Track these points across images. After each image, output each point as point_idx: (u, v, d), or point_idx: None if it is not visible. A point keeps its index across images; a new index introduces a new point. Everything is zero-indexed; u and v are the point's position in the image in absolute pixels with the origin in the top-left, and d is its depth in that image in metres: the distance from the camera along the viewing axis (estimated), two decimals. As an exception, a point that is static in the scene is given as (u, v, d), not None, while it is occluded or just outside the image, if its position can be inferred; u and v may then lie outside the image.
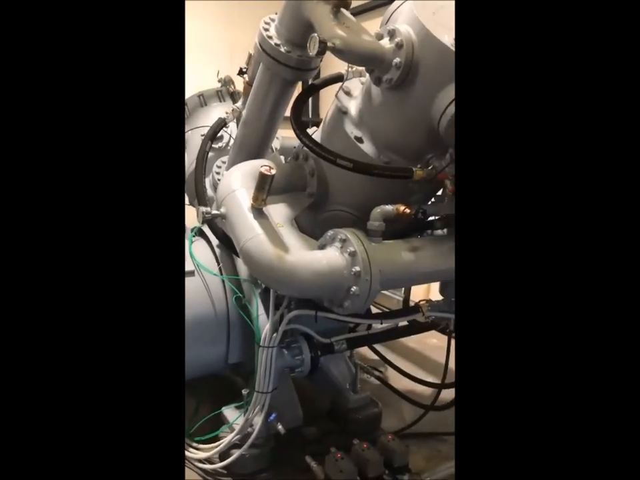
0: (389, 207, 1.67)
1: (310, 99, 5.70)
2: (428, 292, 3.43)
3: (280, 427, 1.97)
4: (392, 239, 1.81)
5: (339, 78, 1.94)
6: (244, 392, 2.01)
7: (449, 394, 2.25)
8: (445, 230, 2.06)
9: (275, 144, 2.88)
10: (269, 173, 1.54)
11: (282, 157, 2.79)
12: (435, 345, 3.31)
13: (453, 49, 1.48)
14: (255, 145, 2.15)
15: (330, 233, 1.65)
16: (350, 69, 1.86)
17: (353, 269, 1.54)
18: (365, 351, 2.79)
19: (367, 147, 1.75)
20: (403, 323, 2.17)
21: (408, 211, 1.68)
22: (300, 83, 2.16)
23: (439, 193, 1.89)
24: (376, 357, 3.12)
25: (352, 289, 1.54)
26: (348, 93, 1.89)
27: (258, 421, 1.90)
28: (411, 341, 3.37)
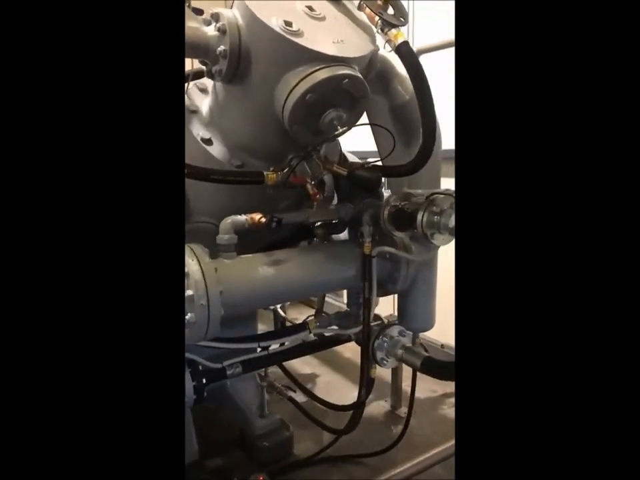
0: (241, 217, 1.47)
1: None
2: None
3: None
4: (268, 250, 1.61)
5: (198, 74, 1.73)
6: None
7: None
8: (342, 236, 1.88)
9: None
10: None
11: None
12: (373, 353, 3.10)
13: (282, 32, 1.28)
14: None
15: (170, 251, 1.44)
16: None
17: (185, 294, 1.32)
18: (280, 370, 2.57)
19: (215, 149, 1.54)
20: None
21: (263, 220, 1.47)
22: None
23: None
24: (302, 373, 2.92)
25: (187, 317, 1.33)
26: (203, 90, 1.68)
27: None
28: (347, 350, 3.17)
